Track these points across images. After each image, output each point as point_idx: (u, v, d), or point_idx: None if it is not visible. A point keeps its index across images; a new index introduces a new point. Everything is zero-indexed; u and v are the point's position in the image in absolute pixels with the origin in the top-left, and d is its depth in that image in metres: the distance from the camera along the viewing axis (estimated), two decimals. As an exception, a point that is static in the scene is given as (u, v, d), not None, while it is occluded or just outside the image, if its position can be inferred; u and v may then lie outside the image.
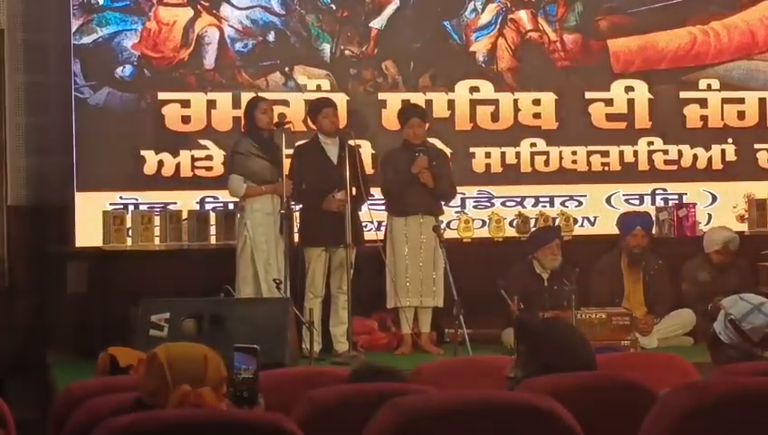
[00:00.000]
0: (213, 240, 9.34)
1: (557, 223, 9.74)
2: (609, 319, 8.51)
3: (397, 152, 8.96)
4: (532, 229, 9.58)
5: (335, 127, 8.77)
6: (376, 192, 9.02)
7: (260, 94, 9.23)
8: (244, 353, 3.77)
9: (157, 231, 9.29)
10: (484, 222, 9.82)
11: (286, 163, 8.64)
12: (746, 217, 10.17)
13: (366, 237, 8.82)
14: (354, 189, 8.53)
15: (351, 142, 8.69)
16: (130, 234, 9.26)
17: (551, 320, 4.30)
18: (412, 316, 8.84)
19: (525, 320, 4.30)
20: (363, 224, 8.82)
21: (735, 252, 9.37)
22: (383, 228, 9.06)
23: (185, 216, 9.36)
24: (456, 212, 9.54)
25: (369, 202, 8.74)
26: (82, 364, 7.63)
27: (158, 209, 9.38)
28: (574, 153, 10.08)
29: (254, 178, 8.62)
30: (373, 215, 8.79)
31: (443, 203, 9.02)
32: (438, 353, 8.63)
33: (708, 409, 3.22)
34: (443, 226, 8.89)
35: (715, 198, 10.23)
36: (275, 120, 8.76)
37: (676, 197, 10.15)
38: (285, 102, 9.58)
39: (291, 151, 8.79)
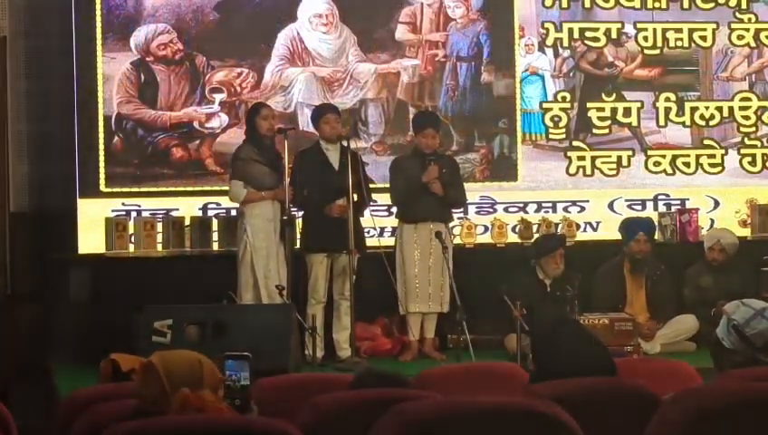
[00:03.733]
0: (215, 246, 9.35)
1: (560, 229, 9.73)
2: (611, 324, 8.51)
3: (407, 160, 8.97)
4: (536, 235, 9.59)
5: (337, 132, 8.77)
6: (378, 198, 9.03)
7: (261, 101, 9.24)
8: (237, 361, 3.74)
9: (159, 238, 9.32)
10: (486, 228, 9.82)
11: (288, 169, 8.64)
12: (749, 222, 10.18)
13: (368, 243, 8.82)
14: (356, 196, 8.53)
15: (353, 144, 8.69)
16: (133, 240, 9.28)
17: (560, 322, 4.28)
18: (419, 323, 8.84)
19: (534, 325, 4.31)
20: (366, 230, 8.83)
21: (735, 254, 9.35)
22: (386, 234, 9.05)
23: (187, 222, 9.38)
24: (459, 218, 9.52)
25: (371, 208, 8.75)
26: (85, 371, 7.62)
27: (160, 216, 9.39)
28: (579, 158, 10.09)
29: (255, 184, 8.62)
30: (375, 221, 8.80)
31: (453, 210, 9.03)
32: (441, 359, 8.62)
33: (712, 414, 3.22)
34: (444, 232, 8.83)
35: (717, 204, 10.24)
36: (277, 126, 8.76)
37: (679, 202, 10.17)
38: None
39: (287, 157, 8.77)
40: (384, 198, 9.14)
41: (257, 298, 8.47)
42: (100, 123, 9.38)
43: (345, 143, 8.59)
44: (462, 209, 9.47)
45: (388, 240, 9.12)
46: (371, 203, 8.76)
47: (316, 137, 8.82)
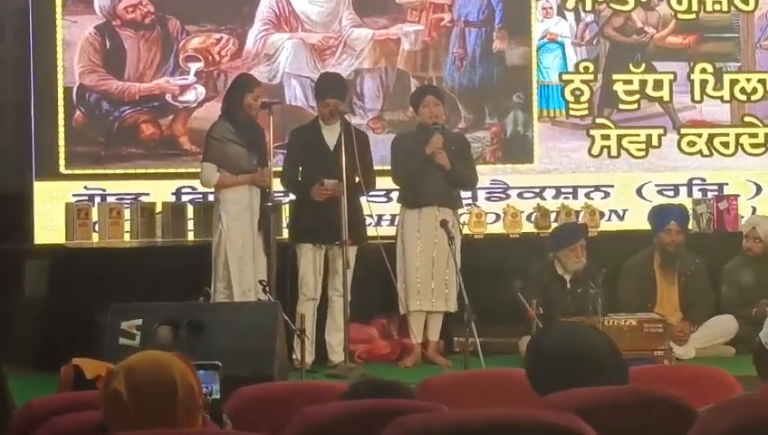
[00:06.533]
0: (190, 236, 9.37)
1: (581, 217, 9.75)
2: (639, 326, 8.53)
3: (410, 135, 8.97)
4: (554, 225, 9.60)
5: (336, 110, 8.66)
6: (381, 183, 8.98)
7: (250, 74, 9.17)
8: (206, 371, 3.77)
9: (127, 226, 9.34)
10: (498, 216, 9.83)
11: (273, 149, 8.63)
12: (795, 209, 10.20)
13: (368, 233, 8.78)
14: (358, 179, 8.46)
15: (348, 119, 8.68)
16: (97, 229, 9.29)
17: (566, 333, 4.27)
18: (422, 323, 8.82)
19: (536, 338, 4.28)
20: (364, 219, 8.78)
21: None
22: (384, 223, 9.05)
23: (159, 208, 9.40)
24: (467, 205, 9.51)
25: (369, 195, 8.66)
26: (43, 377, 7.63)
27: (128, 201, 9.40)
28: (603, 138, 10.11)
29: (230, 167, 8.58)
30: (372, 208, 8.76)
31: (461, 191, 8.99)
32: (447, 365, 8.64)
33: (754, 429, 3.22)
34: (451, 221, 8.79)
35: (759, 189, 10.26)
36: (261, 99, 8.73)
37: (716, 187, 10.18)
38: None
39: (273, 136, 8.73)
40: (382, 182, 9.11)
41: (230, 296, 8.46)
42: (60, 95, 9.39)
43: (349, 119, 8.57)
44: (470, 195, 9.47)
45: (386, 229, 9.12)
46: (370, 189, 8.68)
47: (304, 112, 8.82)
